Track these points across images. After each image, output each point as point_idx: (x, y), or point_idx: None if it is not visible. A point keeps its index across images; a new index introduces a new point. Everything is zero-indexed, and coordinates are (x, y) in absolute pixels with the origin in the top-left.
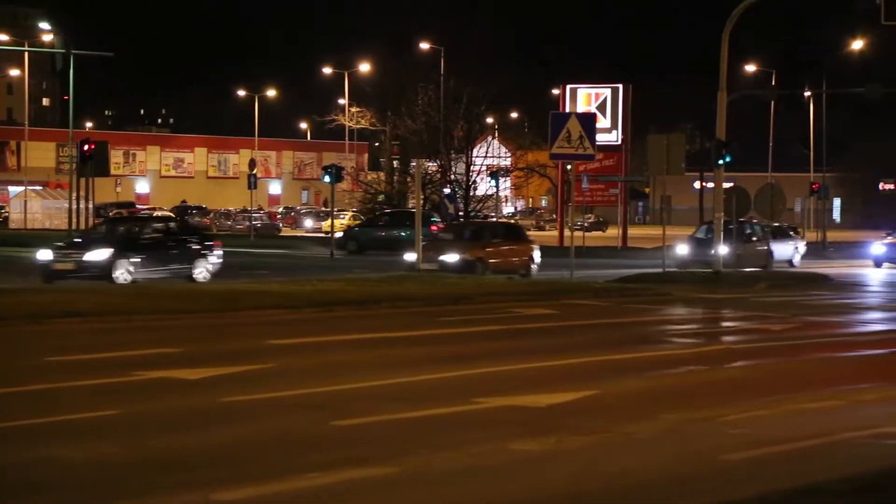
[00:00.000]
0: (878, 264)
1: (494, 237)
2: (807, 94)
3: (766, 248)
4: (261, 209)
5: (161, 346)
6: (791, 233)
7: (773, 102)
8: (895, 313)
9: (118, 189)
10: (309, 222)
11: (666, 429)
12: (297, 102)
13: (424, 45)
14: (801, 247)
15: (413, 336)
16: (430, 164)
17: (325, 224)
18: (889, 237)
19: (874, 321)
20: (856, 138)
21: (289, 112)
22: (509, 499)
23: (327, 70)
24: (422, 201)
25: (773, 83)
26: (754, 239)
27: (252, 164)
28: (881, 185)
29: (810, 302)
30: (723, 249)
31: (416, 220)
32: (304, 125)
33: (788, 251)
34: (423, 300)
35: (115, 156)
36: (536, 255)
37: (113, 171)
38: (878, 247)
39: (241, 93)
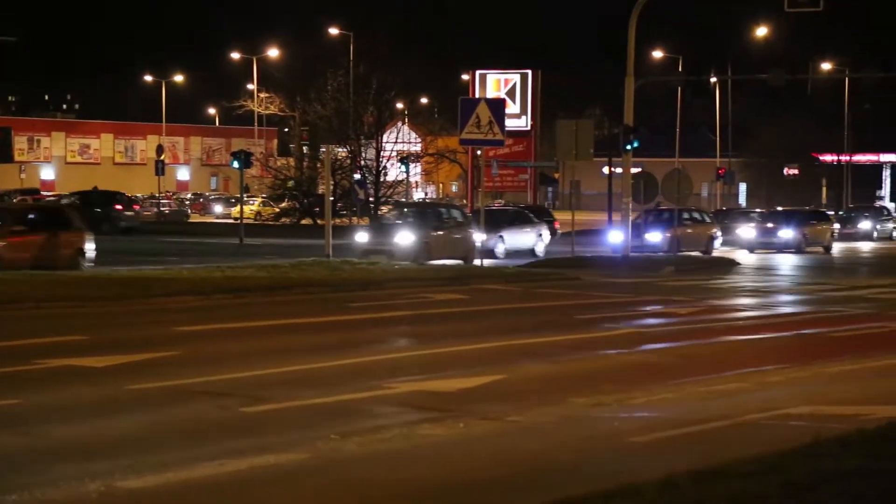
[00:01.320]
0: (750, 250)
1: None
2: (713, 80)
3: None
4: (171, 195)
5: (66, 334)
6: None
7: (680, 88)
8: (798, 296)
9: (22, 176)
10: (218, 208)
11: (574, 412)
12: (205, 88)
13: (334, 31)
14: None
15: (322, 322)
16: (340, 149)
17: (235, 210)
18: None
19: (778, 304)
20: (761, 124)
21: (197, 98)
22: (416, 484)
23: (235, 55)
24: (332, 187)
25: (681, 69)
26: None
27: (160, 150)
28: (786, 170)
29: (716, 286)
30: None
31: (326, 206)
32: (212, 111)
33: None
34: (333, 286)
35: (19, 142)
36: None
37: (17, 158)
38: (746, 230)
39: (148, 78)
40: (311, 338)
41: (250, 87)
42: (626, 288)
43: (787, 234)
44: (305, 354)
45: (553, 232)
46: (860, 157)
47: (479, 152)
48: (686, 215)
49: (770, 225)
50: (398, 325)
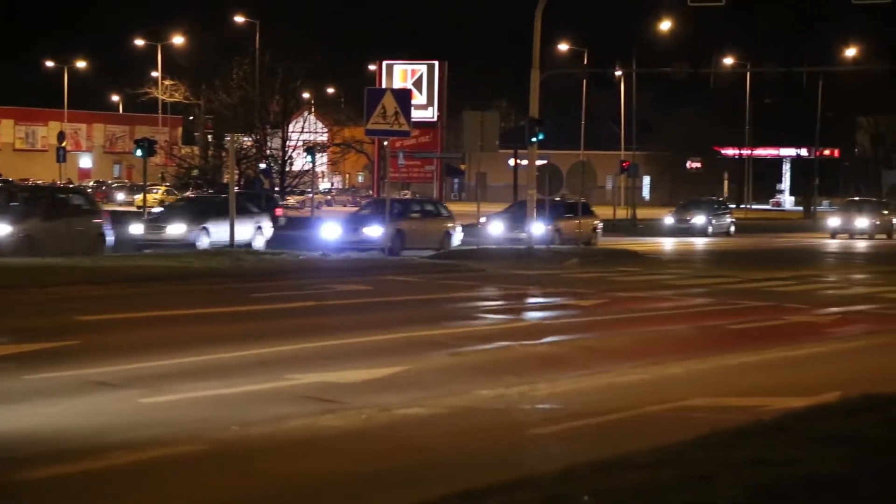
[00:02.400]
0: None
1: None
2: (618, 73)
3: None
4: (70, 182)
5: None
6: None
7: (585, 81)
8: (700, 288)
9: None
10: (121, 196)
11: (477, 404)
12: (108, 75)
13: (239, 19)
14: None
15: (225, 312)
16: (246, 138)
17: (138, 199)
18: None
19: (680, 296)
20: (665, 117)
21: (100, 84)
22: (318, 475)
23: (139, 42)
24: (237, 176)
25: (586, 62)
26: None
27: (61, 136)
28: (688, 164)
29: (620, 278)
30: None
31: (230, 196)
32: (116, 98)
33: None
34: (236, 276)
35: None
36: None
37: None
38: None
39: (50, 64)
40: (213, 328)
41: (155, 74)
42: (530, 280)
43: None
44: (206, 345)
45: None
46: (761, 152)
47: (385, 143)
48: (416, 207)
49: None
50: (301, 317)
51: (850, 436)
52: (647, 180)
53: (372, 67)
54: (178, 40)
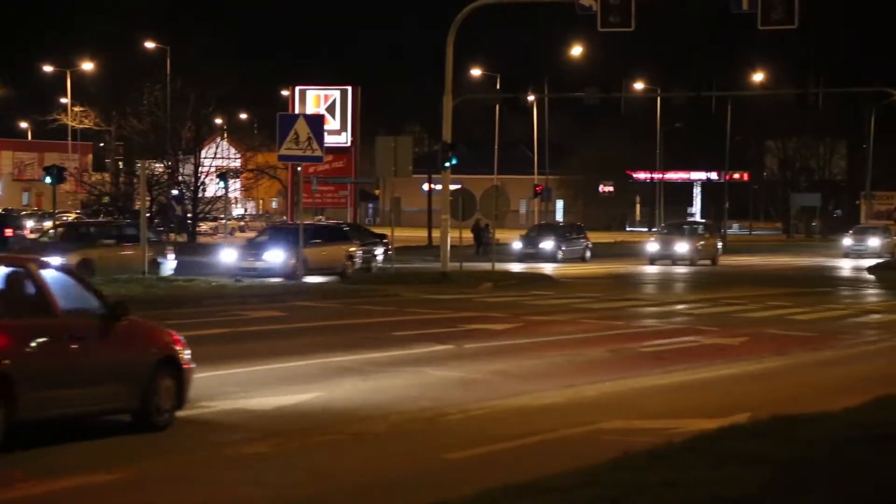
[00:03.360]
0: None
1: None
2: (530, 98)
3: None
4: None
5: None
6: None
7: (498, 106)
8: (613, 311)
9: None
10: (30, 224)
11: (393, 428)
12: (16, 101)
13: (150, 45)
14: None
15: None
16: (157, 164)
17: (48, 226)
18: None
19: (593, 319)
20: (577, 142)
21: (8, 111)
22: (236, 502)
23: (48, 68)
24: (148, 203)
25: (499, 87)
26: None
27: None
28: (601, 188)
29: (534, 301)
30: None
31: (141, 222)
32: (24, 125)
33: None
34: (146, 303)
35: None
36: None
37: None
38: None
39: None
40: None
41: (64, 100)
42: (444, 304)
43: (682, 248)
44: None
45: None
46: (672, 175)
47: (298, 168)
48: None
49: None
50: (214, 344)
51: (759, 457)
52: (560, 204)
53: (285, 93)
54: (87, 66)
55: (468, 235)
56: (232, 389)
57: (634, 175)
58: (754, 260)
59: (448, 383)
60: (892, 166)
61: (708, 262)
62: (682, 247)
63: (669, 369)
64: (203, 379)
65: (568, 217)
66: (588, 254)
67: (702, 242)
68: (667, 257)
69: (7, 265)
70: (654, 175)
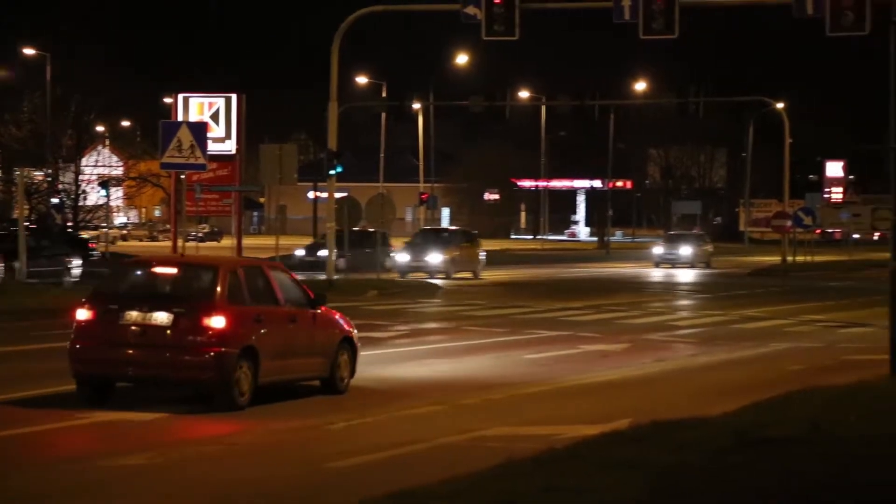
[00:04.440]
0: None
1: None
2: (416, 106)
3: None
4: None
5: None
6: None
7: (384, 114)
8: (497, 319)
9: None
10: None
11: (274, 439)
12: None
13: (29, 51)
14: None
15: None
16: (37, 173)
17: None
18: None
19: (478, 327)
20: (463, 150)
21: None
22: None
23: None
24: (27, 212)
25: (385, 94)
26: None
27: None
28: (487, 195)
29: (419, 309)
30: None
31: (20, 231)
32: None
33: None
34: (16, 314)
35: None
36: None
37: None
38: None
39: None
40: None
41: None
42: None
43: (435, 258)
44: None
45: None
46: (557, 183)
47: (182, 176)
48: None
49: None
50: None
51: (640, 462)
52: (446, 212)
53: (168, 100)
54: None
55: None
56: (110, 400)
57: (519, 183)
58: (637, 267)
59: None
60: (771, 174)
61: (469, 274)
62: (435, 257)
63: (551, 375)
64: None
65: (453, 224)
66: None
67: (457, 253)
68: (418, 269)
69: (247, 266)
70: (538, 183)
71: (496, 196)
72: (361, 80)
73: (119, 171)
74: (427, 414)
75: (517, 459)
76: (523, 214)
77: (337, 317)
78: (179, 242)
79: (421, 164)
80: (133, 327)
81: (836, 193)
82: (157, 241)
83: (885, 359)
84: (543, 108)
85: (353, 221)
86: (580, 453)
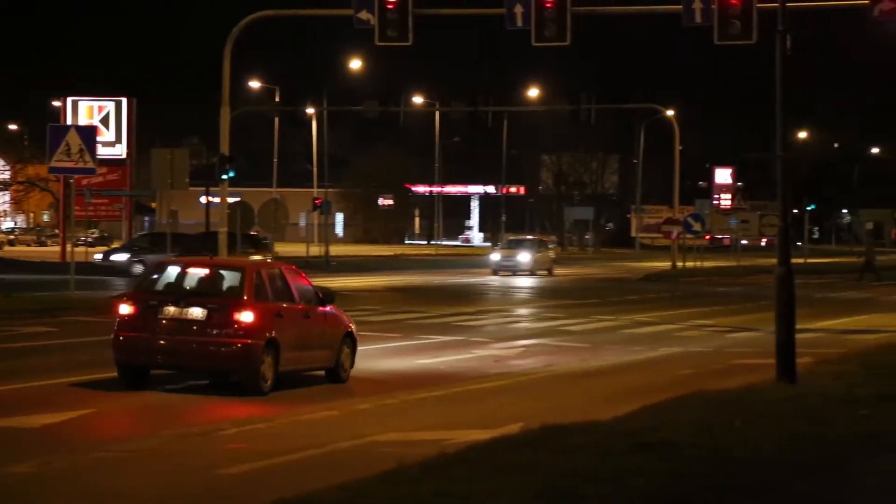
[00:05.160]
0: None
1: None
2: (310, 111)
3: None
4: None
5: None
6: None
7: (277, 118)
8: (392, 324)
9: None
10: None
11: (164, 445)
12: None
13: None
14: None
15: None
16: None
17: None
18: None
19: (371, 333)
20: (357, 155)
21: None
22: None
23: None
24: None
25: (278, 99)
26: None
27: None
28: (381, 201)
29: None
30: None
31: None
32: None
33: None
34: None
35: None
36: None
37: None
38: None
39: None
40: None
41: None
42: None
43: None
44: None
45: None
46: (451, 189)
47: (71, 180)
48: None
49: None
50: None
51: (531, 467)
52: (340, 217)
53: (57, 104)
54: None
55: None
56: None
57: (414, 188)
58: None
59: (217, 399)
60: (661, 181)
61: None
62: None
63: (445, 382)
64: None
65: (348, 230)
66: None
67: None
68: None
69: (269, 268)
70: (433, 188)
71: (390, 201)
72: (255, 84)
73: (6, 175)
74: (321, 419)
75: (407, 465)
76: (417, 220)
77: (341, 314)
78: (69, 247)
79: (315, 169)
80: (171, 321)
81: (725, 200)
82: (46, 246)
83: (772, 363)
84: (437, 114)
85: (246, 226)
86: (471, 458)
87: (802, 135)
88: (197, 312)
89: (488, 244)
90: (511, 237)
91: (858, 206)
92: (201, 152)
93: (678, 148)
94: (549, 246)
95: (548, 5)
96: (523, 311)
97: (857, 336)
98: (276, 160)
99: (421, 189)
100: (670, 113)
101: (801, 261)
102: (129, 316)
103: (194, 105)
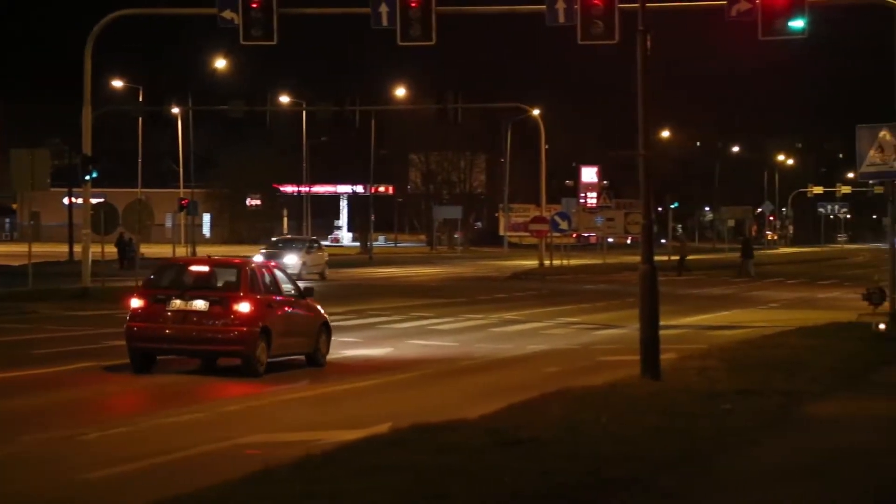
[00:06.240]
0: None
1: None
2: (175, 110)
3: None
4: None
5: None
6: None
7: (141, 118)
8: None
9: None
10: None
11: (24, 450)
12: None
13: None
14: None
15: None
16: None
17: None
18: None
19: None
20: (224, 155)
21: None
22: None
23: None
24: None
25: (142, 99)
26: None
27: None
28: (248, 201)
29: None
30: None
31: None
32: None
33: None
34: None
35: None
36: None
37: None
38: None
39: None
40: None
41: None
42: (86, 321)
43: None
44: None
45: None
46: (319, 189)
47: None
48: None
49: None
50: None
51: (399, 466)
52: (207, 218)
53: None
54: None
55: (112, 250)
56: None
57: (282, 188)
58: (399, 271)
59: (84, 402)
60: (529, 180)
61: None
62: None
63: (314, 381)
64: None
65: (215, 231)
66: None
67: None
68: None
69: (260, 264)
70: (301, 188)
71: (258, 201)
72: (118, 84)
73: None
74: (187, 422)
75: (274, 466)
76: (286, 220)
77: (318, 306)
78: None
79: (181, 169)
80: (177, 312)
81: (591, 198)
82: None
83: (638, 359)
84: (304, 114)
85: (109, 228)
86: (339, 458)
87: (666, 133)
88: (200, 304)
89: (357, 244)
90: (276, 237)
91: (720, 204)
92: (64, 153)
93: (544, 147)
94: (321, 246)
95: (412, 5)
96: (393, 310)
97: (720, 332)
98: (140, 160)
99: (289, 189)
100: (536, 112)
101: (665, 258)
102: (139, 308)
103: (57, 105)
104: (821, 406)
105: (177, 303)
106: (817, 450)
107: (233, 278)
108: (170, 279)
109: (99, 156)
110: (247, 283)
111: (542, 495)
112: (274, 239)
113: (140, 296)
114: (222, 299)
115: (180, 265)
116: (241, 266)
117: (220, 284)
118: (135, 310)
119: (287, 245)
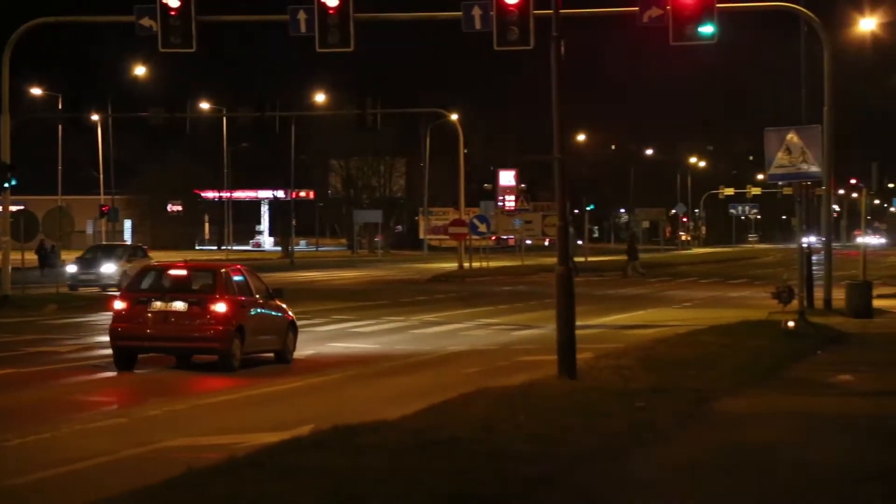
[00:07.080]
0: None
1: None
2: (94, 117)
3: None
4: None
5: None
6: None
7: (60, 126)
8: None
9: None
10: None
11: None
12: None
13: None
14: None
15: None
16: None
17: None
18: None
19: None
20: (145, 162)
21: None
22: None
23: None
24: None
25: (61, 107)
26: None
27: None
28: (170, 207)
29: (98, 324)
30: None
31: None
32: None
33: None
34: None
35: None
36: None
37: None
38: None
39: None
40: None
41: None
42: (6, 328)
43: (109, 269)
44: None
45: None
46: (240, 194)
47: None
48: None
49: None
50: None
51: (321, 468)
52: (128, 224)
53: None
54: None
55: (33, 257)
56: None
57: (203, 194)
58: (321, 275)
59: (4, 410)
60: (448, 183)
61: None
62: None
63: (234, 384)
64: None
65: (137, 237)
66: None
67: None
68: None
69: (238, 272)
70: (222, 194)
71: (179, 207)
72: (37, 91)
73: None
74: (110, 427)
75: (196, 469)
76: (207, 225)
77: (285, 307)
78: None
79: (101, 176)
80: (158, 313)
81: (510, 201)
82: None
83: (555, 359)
84: (224, 120)
85: (29, 235)
86: (261, 461)
87: (581, 137)
88: (179, 305)
89: (278, 248)
90: (93, 245)
91: (634, 206)
92: None
93: (463, 151)
94: (146, 253)
95: (331, 12)
96: (314, 313)
97: (635, 331)
98: (60, 168)
99: (210, 194)
100: (455, 117)
101: (581, 259)
102: (122, 310)
103: None
104: (731, 402)
105: (157, 304)
106: (727, 445)
107: (209, 281)
108: (150, 282)
109: (18, 164)
110: (222, 285)
111: (459, 494)
112: (92, 246)
113: (123, 298)
114: (200, 300)
115: (160, 270)
116: (217, 269)
117: (197, 287)
118: (118, 311)
119: (106, 252)
